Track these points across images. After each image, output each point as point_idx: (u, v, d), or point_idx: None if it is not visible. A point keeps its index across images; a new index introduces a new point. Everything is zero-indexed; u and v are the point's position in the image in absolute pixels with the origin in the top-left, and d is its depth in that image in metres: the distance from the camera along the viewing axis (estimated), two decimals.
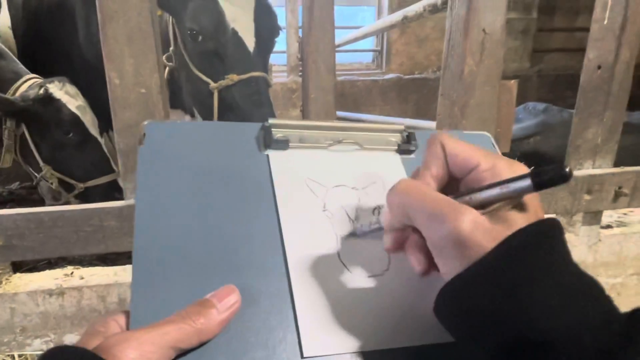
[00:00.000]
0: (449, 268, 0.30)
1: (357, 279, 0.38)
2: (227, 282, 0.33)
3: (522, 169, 0.31)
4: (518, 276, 0.26)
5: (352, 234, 0.41)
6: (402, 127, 0.48)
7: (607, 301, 0.28)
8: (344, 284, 0.37)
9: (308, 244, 0.39)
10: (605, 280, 1.46)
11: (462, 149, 0.34)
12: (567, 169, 0.25)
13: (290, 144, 0.44)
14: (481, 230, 0.28)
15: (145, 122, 0.42)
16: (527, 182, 0.27)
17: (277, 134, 0.44)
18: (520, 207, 0.30)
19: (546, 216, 0.31)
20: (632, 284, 1.48)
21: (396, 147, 0.47)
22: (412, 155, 0.48)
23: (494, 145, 0.54)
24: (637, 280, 1.49)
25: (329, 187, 0.43)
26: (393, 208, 0.34)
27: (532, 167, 0.28)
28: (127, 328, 0.32)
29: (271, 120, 0.44)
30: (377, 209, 0.43)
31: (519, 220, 0.29)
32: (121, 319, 0.33)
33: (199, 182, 0.40)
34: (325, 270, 0.37)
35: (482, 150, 0.34)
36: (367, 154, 0.46)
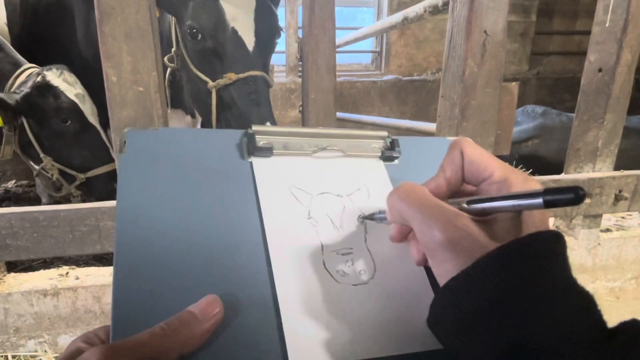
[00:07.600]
0: (441, 270, 0.31)
1: (343, 288, 0.37)
2: (210, 292, 0.33)
3: (535, 185, 0.31)
4: (507, 283, 0.27)
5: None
6: (385, 133, 0.48)
7: (597, 316, 0.28)
8: (329, 293, 0.37)
9: (293, 253, 0.38)
10: (605, 284, 1.46)
11: (478, 157, 0.34)
12: (581, 192, 0.26)
13: (274, 151, 0.43)
14: (470, 239, 0.29)
15: (126, 130, 0.41)
16: (538, 200, 0.27)
17: (261, 141, 0.43)
18: (523, 217, 0.30)
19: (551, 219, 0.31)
20: (630, 288, 1.48)
21: (380, 154, 0.47)
22: (396, 162, 0.48)
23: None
24: (635, 284, 1.48)
25: (314, 195, 0.42)
26: (391, 210, 0.35)
27: (545, 188, 0.28)
28: (109, 342, 0.31)
29: (254, 127, 0.43)
30: (361, 216, 0.42)
31: (517, 231, 0.30)
32: (102, 334, 0.32)
33: (181, 190, 0.39)
34: (310, 279, 0.37)
35: (499, 161, 0.34)
36: (351, 161, 0.46)
